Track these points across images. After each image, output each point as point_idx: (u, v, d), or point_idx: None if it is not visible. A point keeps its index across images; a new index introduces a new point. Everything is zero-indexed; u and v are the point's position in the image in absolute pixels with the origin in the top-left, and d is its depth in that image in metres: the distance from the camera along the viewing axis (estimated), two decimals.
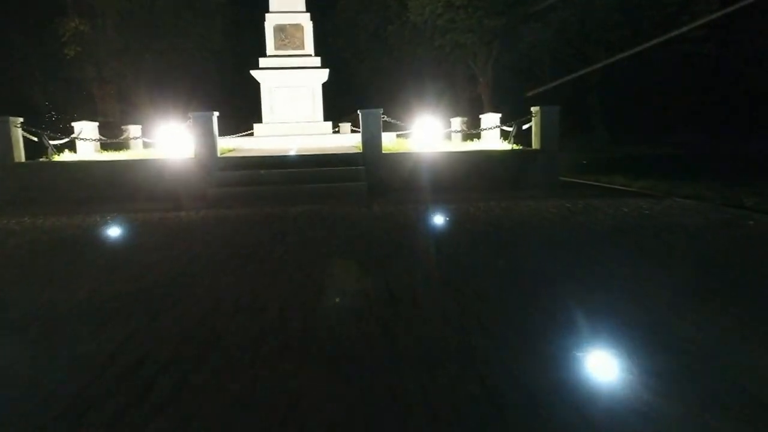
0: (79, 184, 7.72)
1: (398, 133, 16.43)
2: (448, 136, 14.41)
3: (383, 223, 5.77)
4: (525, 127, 8.87)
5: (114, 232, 5.56)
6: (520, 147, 8.72)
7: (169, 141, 14.38)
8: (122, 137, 12.17)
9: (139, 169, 7.80)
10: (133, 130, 12.70)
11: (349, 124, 15.81)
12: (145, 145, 13.49)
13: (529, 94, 27.71)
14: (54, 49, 29.20)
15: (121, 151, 9.82)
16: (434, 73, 33.73)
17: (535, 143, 8.52)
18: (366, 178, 7.68)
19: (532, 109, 8.52)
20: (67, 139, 9.15)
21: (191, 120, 7.80)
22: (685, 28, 22.32)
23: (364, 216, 6.15)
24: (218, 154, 8.10)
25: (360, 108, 7.88)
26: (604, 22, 25.84)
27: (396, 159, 8.09)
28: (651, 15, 25.09)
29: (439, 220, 5.88)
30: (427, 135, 15.70)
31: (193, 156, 7.87)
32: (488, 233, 5.17)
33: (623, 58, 27.64)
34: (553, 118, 8.29)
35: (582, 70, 30.99)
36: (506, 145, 9.45)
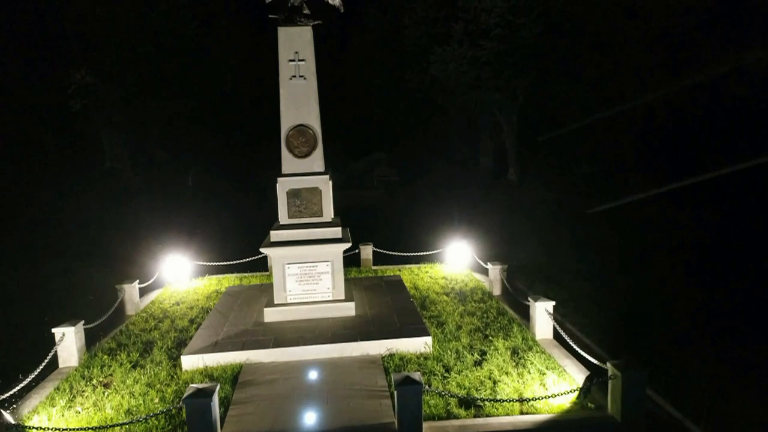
0: None
1: (426, 253, 14.75)
2: (485, 272, 12.75)
3: None
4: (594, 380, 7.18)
5: None
6: (593, 405, 7.02)
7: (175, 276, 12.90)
8: (116, 304, 10.65)
9: None
10: (129, 290, 11.18)
11: (371, 245, 14.17)
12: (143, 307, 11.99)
13: (540, 138, 25.47)
14: (60, 101, 28.00)
15: (111, 372, 8.27)
16: (457, 124, 31.93)
17: (613, 409, 6.80)
18: None
19: (610, 367, 6.78)
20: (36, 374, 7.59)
21: (181, 408, 6.23)
22: None
23: None
24: None
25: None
26: (644, 73, 23.67)
27: None
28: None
29: None
30: (459, 264, 14.03)
31: None
32: None
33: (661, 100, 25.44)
34: (640, 387, 6.57)
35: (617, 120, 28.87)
36: (565, 382, 7.73)
